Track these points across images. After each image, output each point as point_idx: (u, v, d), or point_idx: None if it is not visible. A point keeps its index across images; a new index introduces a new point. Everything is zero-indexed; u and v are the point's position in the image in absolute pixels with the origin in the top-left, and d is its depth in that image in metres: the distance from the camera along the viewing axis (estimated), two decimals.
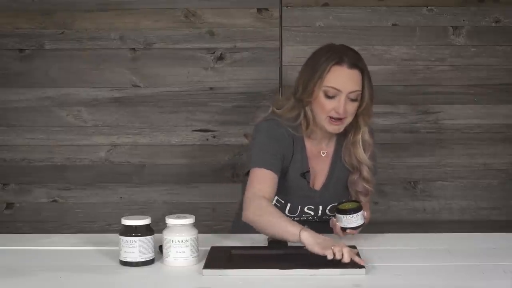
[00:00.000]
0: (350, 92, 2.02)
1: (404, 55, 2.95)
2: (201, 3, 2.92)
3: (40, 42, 2.94)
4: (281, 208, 2.14)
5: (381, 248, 1.95)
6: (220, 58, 2.94)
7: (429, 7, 2.93)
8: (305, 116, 2.10)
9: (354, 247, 1.88)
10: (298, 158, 2.13)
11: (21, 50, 2.95)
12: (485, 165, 3.00)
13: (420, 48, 2.95)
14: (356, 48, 2.88)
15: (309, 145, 2.16)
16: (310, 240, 1.79)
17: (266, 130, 2.11)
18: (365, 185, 2.13)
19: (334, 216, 2.02)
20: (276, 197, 2.14)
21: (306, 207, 2.15)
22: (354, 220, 1.96)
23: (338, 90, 2.02)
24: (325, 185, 2.16)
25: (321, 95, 2.03)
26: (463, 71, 2.96)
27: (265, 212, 1.94)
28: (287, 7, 2.92)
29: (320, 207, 2.16)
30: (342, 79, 2.02)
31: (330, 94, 2.02)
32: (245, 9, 2.92)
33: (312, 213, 2.16)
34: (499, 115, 2.97)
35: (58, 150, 2.99)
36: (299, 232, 1.81)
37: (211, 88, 2.96)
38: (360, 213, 1.97)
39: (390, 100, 2.96)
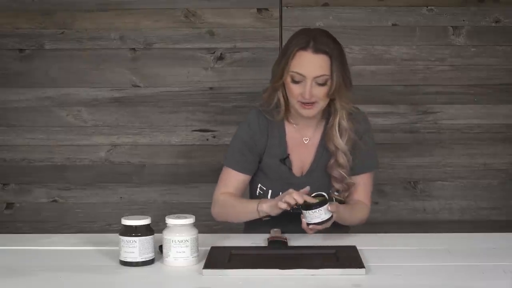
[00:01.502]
0: (316, 77, 2.02)
1: (404, 55, 2.95)
2: (201, 3, 2.92)
3: (40, 42, 2.94)
4: (264, 195, 2.18)
5: (381, 248, 1.95)
6: (220, 58, 2.94)
7: (429, 7, 2.93)
8: (278, 100, 2.13)
9: (354, 247, 1.88)
10: (275, 143, 2.16)
11: (21, 50, 2.95)
12: (485, 165, 3.00)
13: (420, 48, 2.95)
14: (356, 48, 2.91)
15: (290, 131, 2.17)
16: (268, 208, 1.98)
17: (246, 123, 2.20)
18: (340, 171, 2.11)
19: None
20: (259, 185, 2.19)
21: None
22: (317, 215, 1.89)
23: (303, 76, 2.03)
24: (309, 172, 2.16)
25: (288, 80, 2.06)
26: (463, 71, 2.96)
27: (227, 205, 2.15)
28: (287, 7, 2.92)
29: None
30: (306, 64, 2.03)
31: (296, 79, 2.04)
32: (245, 9, 2.93)
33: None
34: (499, 115, 2.97)
35: (58, 150, 2.99)
36: (257, 208, 2.01)
37: (211, 88, 2.96)
38: (323, 208, 1.89)
39: (390, 100, 2.96)
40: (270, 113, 2.16)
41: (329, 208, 1.91)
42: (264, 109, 2.17)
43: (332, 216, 1.92)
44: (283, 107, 2.13)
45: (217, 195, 2.19)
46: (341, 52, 2.08)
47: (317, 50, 2.02)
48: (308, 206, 1.91)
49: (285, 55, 2.06)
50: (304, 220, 1.93)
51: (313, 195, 2.01)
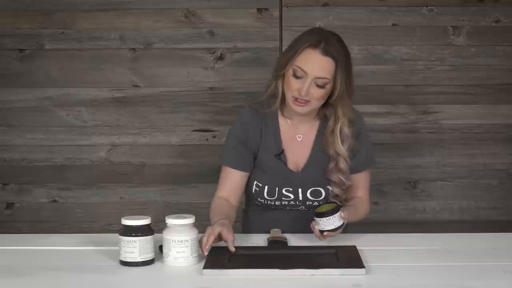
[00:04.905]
0: (317, 78, 2.03)
1: (404, 55, 2.95)
2: (201, 3, 2.92)
3: (40, 42, 2.94)
4: (260, 192, 2.18)
5: (381, 248, 1.95)
6: (220, 58, 2.94)
7: (429, 7, 2.93)
8: (277, 90, 2.14)
9: (354, 247, 1.88)
10: (270, 139, 2.17)
11: (21, 50, 2.95)
12: (485, 165, 3.00)
13: (420, 48, 2.95)
14: (356, 48, 2.91)
15: (284, 126, 2.19)
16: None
17: (239, 120, 2.20)
18: (340, 176, 2.13)
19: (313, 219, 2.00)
20: (255, 182, 2.19)
21: (284, 189, 2.16)
22: (331, 222, 1.92)
23: (305, 72, 2.03)
24: (305, 168, 2.17)
25: (290, 73, 2.07)
26: (463, 71, 2.96)
27: (212, 212, 2.10)
28: (287, 7, 2.92)
29: (300, 190, 2.16)
30: (311, 62, 2.04)
31: (298, 74, 2.05)
32: (245, 9, 2.93)
33: (291, 196, 2.16)
34: (499, 115, 2.97)
35: (58, 150, 2.99)
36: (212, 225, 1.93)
37: (211, 88, 2.96)
38: (337, 215, 1.93)
39: (390, 100, 2.96)
40: (265, 104, 2.16)
41: (342, 215, 1.94)
42: (257, 102, 2.18)
43: (344, 223, 1.95)
44: (279, 98, 2.14)
45: (215, 196, 2.19)
46: (349, 60, 2.09)
47: (326, 53, 2.03)
48: (322, 214, 1.93)
49: (294, 48, 2.07)
50: (317, 228, 1.94)
51: (324, 203, 2.04)
